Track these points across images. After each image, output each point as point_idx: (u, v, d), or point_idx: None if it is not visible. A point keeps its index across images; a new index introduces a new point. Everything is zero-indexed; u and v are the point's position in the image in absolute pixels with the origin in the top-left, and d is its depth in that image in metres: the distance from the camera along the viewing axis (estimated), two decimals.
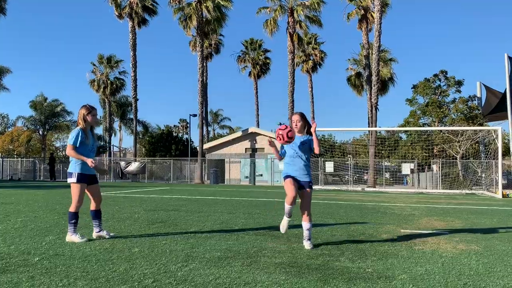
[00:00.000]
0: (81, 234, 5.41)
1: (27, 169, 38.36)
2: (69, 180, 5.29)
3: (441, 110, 41.86)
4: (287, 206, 5.20)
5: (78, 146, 5.27)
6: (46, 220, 7.23)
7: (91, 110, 5.44)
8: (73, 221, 5.26)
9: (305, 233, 5.19)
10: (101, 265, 4.02)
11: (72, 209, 5.26)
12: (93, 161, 5.23)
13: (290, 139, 5.13)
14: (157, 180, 36.04)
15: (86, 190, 5.40)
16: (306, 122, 5.31)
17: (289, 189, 5.13)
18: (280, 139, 5.14)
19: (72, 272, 3.77)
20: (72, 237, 5.24)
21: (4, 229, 6.15)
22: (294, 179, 5.16)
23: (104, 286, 3.36)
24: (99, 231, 5.56)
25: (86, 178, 5.34)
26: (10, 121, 70.00)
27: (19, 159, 41.25)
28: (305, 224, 5.22)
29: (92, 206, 5.52)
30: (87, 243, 5.15)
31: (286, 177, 5.21)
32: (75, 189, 5.25)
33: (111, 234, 5.66)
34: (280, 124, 5.71)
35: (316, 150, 5.15)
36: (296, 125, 5.27)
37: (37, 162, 38.93)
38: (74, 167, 5.28)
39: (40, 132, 54.91)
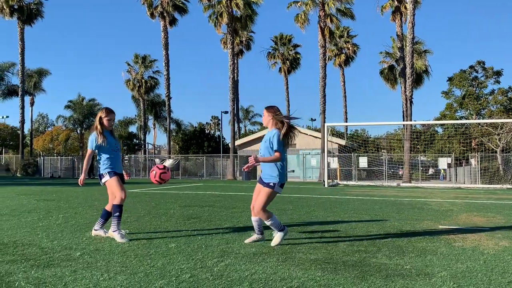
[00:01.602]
0: (123, 231, 5.28)
1: (66, 167, 39.71)
2: (103, 180, 5.26)
3: (479, 102, 40.49)
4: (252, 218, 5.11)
5: (97, 149, 5.27)
6: (86, 216, 7.46)
7: (107, 114, 5.35)
8: (117, 213, 5.19)
9: (254, 225, 5.07)
10: (140, 260, 4.12)
11: (117, 201, 5.18)
12: (81, 181, 5.33)
13: (161, 180, 5.43)
14: (190, 176, 36.55)
15: (110, 192, 5.33)
16: (272, 115, 4.93)
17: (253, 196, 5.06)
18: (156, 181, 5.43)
19: (112, 266, 3.88)
20: (114, 234, 5.15)
21: (47, 225, 6.39)
22: (259, 183, 4.97)
23: (143, 280, 3.44)
24: (98, 230, 5.46)
25: (117, 173, 5.31)
26: (49, 120, 72.73)
27: (59, 157, 42.75)
28: (252, 218, 5.08)
29: (108, 207, 5.42)
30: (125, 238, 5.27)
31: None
32: (112, 183, 5.21)
33: (126, 238, 5.28)
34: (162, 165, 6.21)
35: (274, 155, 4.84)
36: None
37: (75, 160, 40.23)
38: (103, 168, 5.26)
39: (78, 131, 56.68)
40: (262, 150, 4.94)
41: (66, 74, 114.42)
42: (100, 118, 5.36)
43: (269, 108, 5.01)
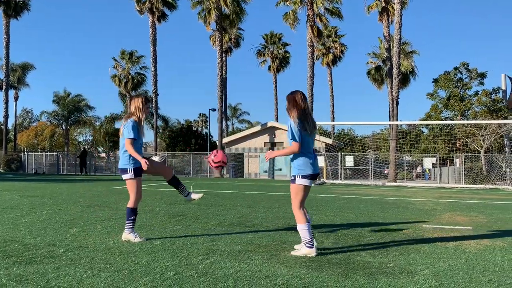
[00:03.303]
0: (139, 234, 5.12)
1: (51, 163, 39.18)
2: (125, 176, 4.97)
3: (463, 103, 41.06)
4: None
5: (136, 138, 4.93)
6: (70, 213, 7.39)
7: (147, 102, 5.08)
8: (131, 217, 4.98)
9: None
10: (124, 257, 4.09)
11: (130, 204, 5.00)
12: (147, 162, 4.87)
13: (220, 163, 5.13)
14: (177, 174, 36.30)
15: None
16: (291, 104, 4.48)
17: None
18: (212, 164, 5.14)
19: (96, 263, 3.85)
20: (129, 236, 4.95)
21: (30, 221, 6.31)
22: None
23: (127, 277, 3.42)
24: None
25: (140, 172, 5.01)
26: (34, 116, 71.68)
27: (43, 153, 42.17)
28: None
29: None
30: (110, 235, 5.23)
31: None
32: (132, 184, 4.97)
33: (141, 238, 5.02)
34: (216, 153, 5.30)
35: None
36: None
37: (60, 156, 39.73)
38: (129, 163, 4.94)
39: (63, 127, 55.96)
40: (289, 143, 4.50)
41: (53, 69, 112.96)
42: (140, 107, 5.00)
43: (288, 97, 4.55)
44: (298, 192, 4.45)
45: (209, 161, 5.30)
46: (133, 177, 4.95)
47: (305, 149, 4.45)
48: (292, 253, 4.42)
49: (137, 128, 4.96)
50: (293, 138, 4.39)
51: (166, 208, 8.44)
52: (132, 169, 4.94)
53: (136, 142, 4.98)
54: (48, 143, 58.12)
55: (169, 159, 36.77)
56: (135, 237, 4.94)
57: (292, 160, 4.50)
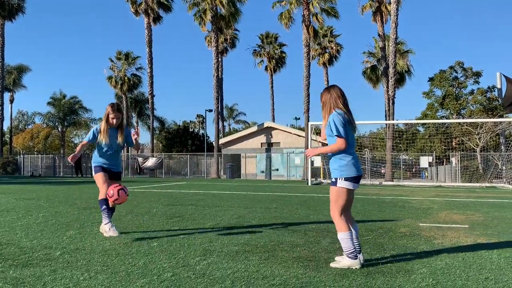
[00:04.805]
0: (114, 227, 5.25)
1: (47, 166, 39.07)
2: (93, 174, 5.43)
3: (459, 102, 41.22)
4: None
5: (92, 143, 5.35)
6: (67, 215, 7.36)
7: (112, 111, 5.25)
8: (103, 207, 5.17)
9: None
10: (121, 259, 4.08)
11: (100, 196, 5.22)
12: (73, 157, 5.27)
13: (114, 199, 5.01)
14: (174, 175, 36.35)
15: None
16: (327, 100, 4.08)
17: None
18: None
19: (92, 266, 3.83)
20: (105, 227, 5.16)
21: (26, 224, 6.28)
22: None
23: (124, 279, 3.41)
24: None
25: (105, 170, 5.34)
26: (29, 118, 71.31)
27: (39, 155, 42.01)
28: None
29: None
30: (106, 237, 5.21)
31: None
32: (96, 179, 5.32)
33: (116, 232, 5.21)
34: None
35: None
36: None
37: (56, 158, 39.60)
38: (92, 162, 5.43)
39: (59, 129, 55.73)
40: (328, 141, 4.09)
41: (53, 70, 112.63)
42: (105, 114, 5.32)
43: (323, 92, 4.16)
44: (339, 196, 3.97)
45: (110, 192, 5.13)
46: (94, 174, 5.36)
47: (350, 147, 3.99)
48: (332, 264, 3.93)
49: (92, 133, 5.36)
50: (338, 133, 3.90)
51: (163, 209, 8.42)
52: (94, 167, 5.38)
53: (102, 147, 5.32)
54: (43, 144, 57.89)
55: (165, 160, 36.72)
56: (109, 228, 5.16)
57: (331, 159, 4.05)
